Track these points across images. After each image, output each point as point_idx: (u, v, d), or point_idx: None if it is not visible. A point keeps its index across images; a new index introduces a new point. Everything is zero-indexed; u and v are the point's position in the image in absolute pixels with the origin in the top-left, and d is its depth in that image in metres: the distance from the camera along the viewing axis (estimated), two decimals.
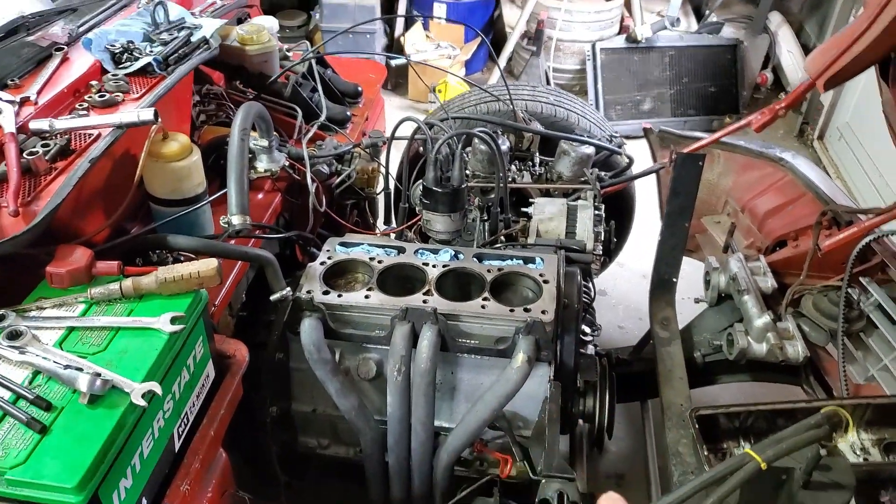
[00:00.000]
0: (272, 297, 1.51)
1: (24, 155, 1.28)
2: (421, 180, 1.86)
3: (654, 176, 2.67)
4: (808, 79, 1.78)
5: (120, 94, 1.52)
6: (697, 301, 2.28)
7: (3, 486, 0.92)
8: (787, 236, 2.26)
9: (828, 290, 1.98)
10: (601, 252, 1.93)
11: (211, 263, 1.20)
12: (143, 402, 1.00)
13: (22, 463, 0.92)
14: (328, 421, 1.78)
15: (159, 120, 1.38)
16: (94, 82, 1.53)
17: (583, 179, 2.24)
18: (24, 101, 1.41)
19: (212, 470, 1.30)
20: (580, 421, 1.77)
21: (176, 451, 1.19)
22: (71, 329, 1.12)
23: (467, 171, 2.21)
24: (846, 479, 1.09)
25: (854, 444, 1.57)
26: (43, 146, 1.32)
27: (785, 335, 1.91)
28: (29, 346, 1.07)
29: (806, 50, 5.13)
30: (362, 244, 1.77)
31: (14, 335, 1.08)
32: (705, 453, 1.47)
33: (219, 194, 1.60)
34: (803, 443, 1.02)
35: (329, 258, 1.71)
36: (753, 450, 0.97)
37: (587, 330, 2.06)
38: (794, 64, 5.13)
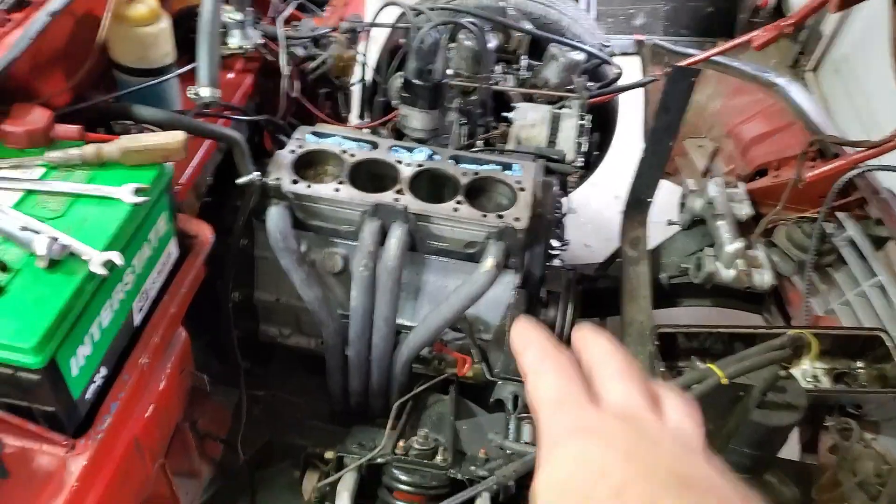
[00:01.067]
0: (239, 181, 1.47)
1: None
2: (400, 72, 1.78)
3: (639, 93, 2.62)
4: None
5: None
6: (670, 223, 2.29)
7: None
8: (769, 165, 2.26)
9: (803, 221, 2.00)
10: (582, 164, 1.90)
11: (178, 136, 1.14)
12: (103, 271, 0.98)
13: None
14: (291, 311, 1.78)
15: None
16: None
17: (569, 87, 2.17)
18: None
19: (171, 347, 1.30)
20: None
21: (136, 325, 1.18)
22: (28, 192, 1.07)
23: (449, 70, 2.12)
24: (798, 401, 1.14)
25: (806, 372, 1.63)
26: None
27: (754, 263, 1.94)
28: None
29: None
30: (335, 135, 1.71)
31: None
32: (661, 369, 1.51)
33: (188, 68, 1.50)
34: (766, 362, 1.05)
35: (300, 147, 1.66)
36: (717, 365, 0.99)
37: (555, 244, 2.06)
38: None
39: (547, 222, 1.70)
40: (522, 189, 1.62)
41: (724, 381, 1.01)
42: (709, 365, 1.04)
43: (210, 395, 1.79)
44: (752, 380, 1.12)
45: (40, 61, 1.22)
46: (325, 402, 1.92)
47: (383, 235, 1.54)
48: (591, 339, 0.52)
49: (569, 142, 1.90)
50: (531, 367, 0.51)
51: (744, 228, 2.10)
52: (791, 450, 1.60)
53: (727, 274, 1.96)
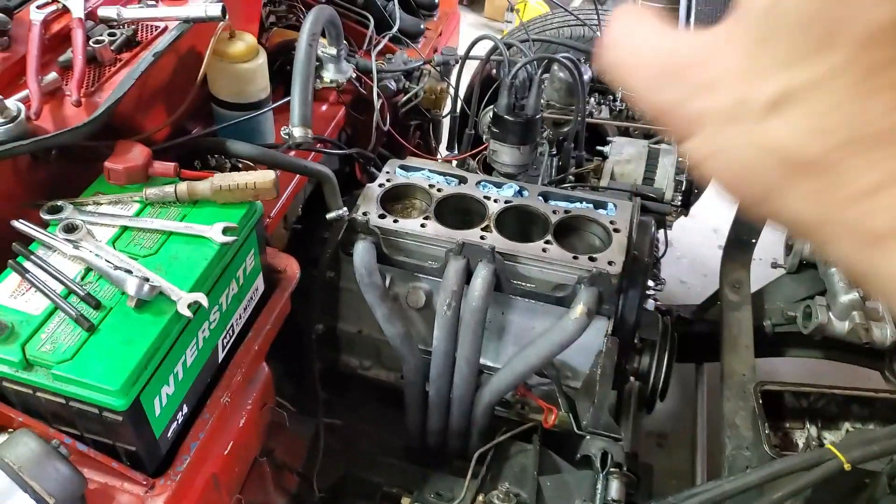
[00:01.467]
0: (328, 216, 1.46)
1: (91, 43, 1.23)
2: (491, 106, 1.74)
3: None
4: None
5: None
6: (775, 266, 2.13)
7: (50, 379, 0.91)
8: None
9: None
10: (680, 203, 1.79)
11: (268, 175, 1.14)
12: (188, 313, 0.97)
13: (69, 359, 0.91)
14: (372, 343, 1.76)
15: (227, 17, 1.30)
16: None
17: None
18: None
19: (253, 383, 1.29)
20: (632, 378, 1.70)
21: (220, 362, 1.18)
22: (124, 228, 1.09)
23: (543, 100, 2.07)
24: None
25: None
26: (109, 35, 1.27)
27: (873, 316, 1.76)
28: (83, 241, 1.05)
29: None
30: (423, 169, 1.69)
31: (70, 228, 1.06)
32: (766, 431, 1.38)
33: (282, 101, 1.52)
34: None
35: (388, 181, 1.65)
36: (837, 447, 0.88)
37: (650, 283, 1.96)
38: None
39: (643, 265, 1.60)
40: (617, 230, 1.53)
41: (847, 466, 0.89)
42: (828, 446, 0.92)
43: (286, 425, 1.79)
44: (880, 461, 0.99)
45: (144, 98, 1.26)
46: (401, 437, 1.88)
47: (468, 274, 1.49)
48: None
49: (667, 179, 1.80)
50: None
51: None
52: None
53: (841, 326, 1.79)
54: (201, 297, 0.99)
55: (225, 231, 1.09)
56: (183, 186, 1.13)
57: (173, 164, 1.16)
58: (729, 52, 0.33)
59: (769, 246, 2.38)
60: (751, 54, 0.32)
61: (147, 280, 0.97)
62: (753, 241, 2.04)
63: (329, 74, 1.67)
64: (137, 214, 1.12)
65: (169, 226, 1.09)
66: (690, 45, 0.35)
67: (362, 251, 1.50)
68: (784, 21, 0.31)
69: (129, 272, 0.98)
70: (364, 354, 1.84)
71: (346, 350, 1.84)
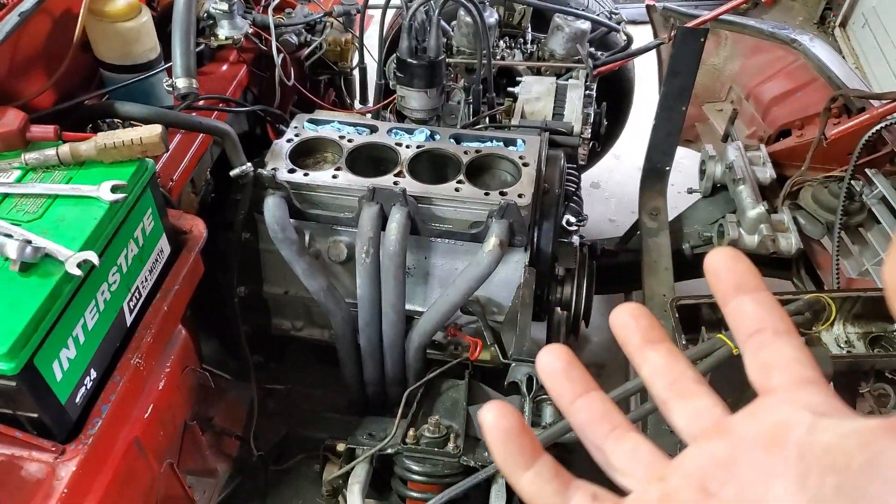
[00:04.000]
0: (232, 173, 1.44)
1: None
2: (395, 53, 1.72)
3: (656, 60, 2.51)
4: None
5: None
6: (691, 191, 2.19)
7: None
8: (792, 125, 2.14)
9: (829, 181, 1.89)
10: (589, 135, 1.82)
11: (155, 129, 1.11)
12: (78, 272, 0.95)
13: None
14: (301, 303, 1.75)
15: None
16: None
17: (576, 58, 2.09)
18: None
19: (170, 346, 1.28)
20: (558, 309, 1.74)
21: (128, 325, 1.16)
22: (5, 196, 1.05)
23: (453, 46, 2.06)
24: (824, 368, 1.05)
25: (839, 337, 1.54)
26: None
27: (779, 227, 1.83)
28: None
29: None
30: (332, 122, 1.67)
31: None
32: (684, 342, 1.44)
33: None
34: None
35: (296, 135, 1.62)
36: (726, 335, 0.92)
37: (572, 220, 1.99)
38: None
39: (555, 197, 1.63)
40: (526, 164, 1.55)
41: (736, 351, 0.94)
42: (719, 335, 0.96)
43: (225, 392, 1.78)
44: None
45: (16, 63, 1.21)
46: (342, 394, 1.89)
47: (384, 221, 1.49)
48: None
49: (575, 113, 1.83)
50: None
51: (767, 192, 2.00)
52: None
53: (751, 240, 1.86)
54: (91, 255, 0.97)
55: (114, 189, 1.06)
56: (65, 148, 1.09)
57: (53, 126, 1.11)
58: None
59: (687, 177, 2.46)
60: None
61: (29, 242, 0.94)
62: (668, 168, 2.09)
63: (224, 31, 1.63)
64: (19, 181, 1.08)
65: (53, 189, 1.06)
66: None
67: (273, 207, 1.48)
68: None
69: (10, 236, 0.95)
70: (294, 315, 1.83)
71: (275, 312, 1.82)
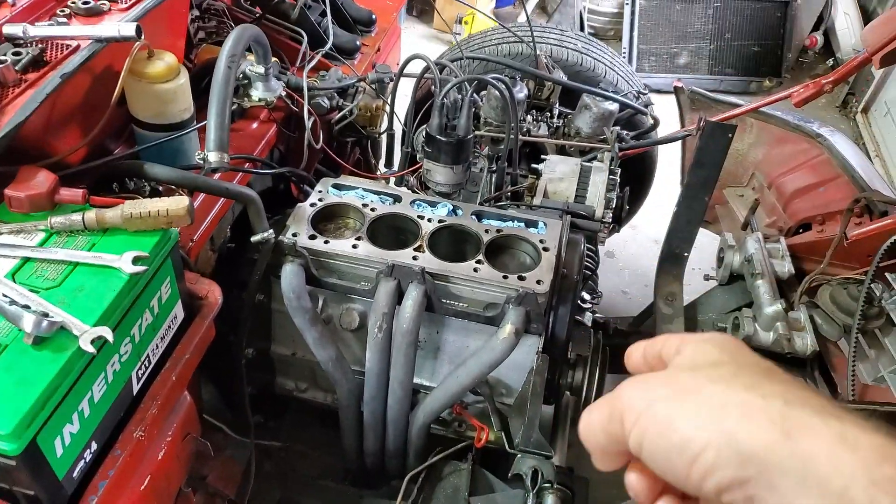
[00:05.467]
0: (253, 239, 1.43)
1: None
2: (424, 126, 1.74)
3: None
4: (863, 51, 1.62)
5: (106, 1, 1.40)
6: (707, 278, 2.18)
7: None
8: (813, 219, 2.13)
9: (848, 282, 1.87)
10: (610, 220, 1.82)
11: (181, 202, 1.11)
12: (91, 349, 0.94)
13: None
14: (307, 366, 1.73)
15: (142, 37, 1.26)
16: None
17: (602, 138, 2.10)
18: (1, 3, 1.30)
19: (174, 414, 1.25)
20: (567, 393, 1.71)
21: (134, 394, 1.14)
22: (26, 259, 1.05)
23: (481, 117, 2.08)
24: None
25: None
26: (14, 54, 1.22)
27: (795, 326, 1.81)
28: None
29: (865, 14, 4.79)
30: (357, 188, 1.68)
31: None
32: None
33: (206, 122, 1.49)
34: None
35: (320, 199, 1.62)
36: None
37: (587, 297, 1.98)
38: (848, 28, 4.81)
39: (573, 283, 1.62)
40: (546, 249, 1.54)
41: None
42: None
43: (221, 449, 1.74)
44: None
45: (53, 121, 1.22)
46: (339, 460, 1.85)
47: (400, 295, 1.48)
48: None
49: (598, 197, 1.82)
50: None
51: (785, 287, 1.98)
52: None
53: (766, 336, 1.83)
54: (106, 332, 0.95)
55: (135, 261, 1.05)
56: (91, 214, 1.09)
57: (81, 190, 1.12)
58: None
59: (704, 255, 2.44)
60: None
61: (46, 315, 0.93)
62: (686, 254, 2.08)
63: (257, 93, 1.64)
64: (42, 244, 1.07)
65: (75, 256, 1.05)
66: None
67: (290, 274, 1.47)
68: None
69: (27, 307, 0.94)
70: (299, 376, 1.81)
71: (281, 372, 1.80)
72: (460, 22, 4.81)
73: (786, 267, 2.01)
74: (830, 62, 5.00)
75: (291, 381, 1.81)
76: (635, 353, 0.58)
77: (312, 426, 1.96)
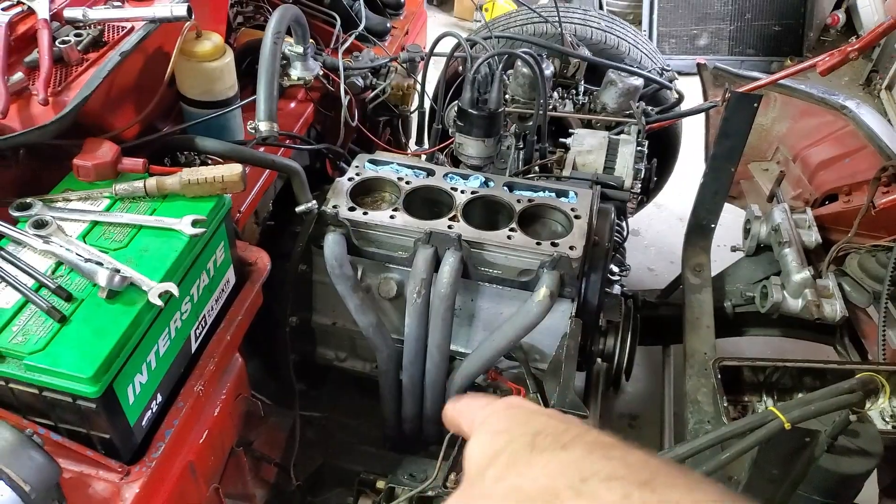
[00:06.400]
0: (297, 209, 1.50)
1: (57, 43, 1.25)
2: (456, 101, 1.79)
3: (702, 115, 2.54)
4: (889, 19, 1.64)
5: None
6: (734, 249, 2.20)
7: (22, 370, 0.94)
8: (839, 190, 2.15)
9: (876, 250, 1.89)
10: (639, 191, 1.86)
11: (235, 169, 1.17)
12: (159, 302, 1.00)
13: (41, 350, 0.94)
14: (347, 335, 1.80)
15: (193, 17, 1.33)
16: None
17: (628, 113, 2.14)
18: None
19: (227, 373, 1.32)
20: (599, 360, 1.75)
21: (192, 352, 1.21)
22: (95, 223, 1.12)
23: (507, 96, 2.12)
24: (873, 447, 1.06)
25: (884, 411, 1.53)
26: (76, 35, 1.29)
27: (823, 293, 1.83)
28: (53, 237, 1.08)
29: None
30: (392, 163, 1.73)
31: (40, 224, 1.09)
32: (724, 404, 1.45)
33: (250, 99, 1.55)
34: (834, 407, 0.98)
35: (357, 174, 1.68)
36: (778, 408, 0.94)
37: (615, 269, 2.02)
38: (871, 4, 4.75)
39: (604, 250, 1.66)
40: (578, 217, 1.59)
41: (788, 425, 0.95)
42: (770, 408, 0.98)
43: (266, 417, 1.82)
44: (821, 422, 1.05)
45: (112, 97, 1.29)
46: (378, 427, 1.92)
47: (437, 263, 1.53)
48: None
49: (626, 168, 1.86)
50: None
51: (812, 256, 2.00)
52: (870, 495, 1.49)
53: (795, 304, 1.86)
54: (172, 287, 1.02)
55: (194, 223, 1.12)
56: (152, 181, 1.15)
57: (142, 160, 1.19)
58: None
59: (730, 231, 2.46)
60: None
61: (118, 271, 1.00)
62: (713, 225, 2.11)
63: (296, 72, 1.71)
64: (108, 209, 1.14)
65: (139, 219, 1.12)
66: None
67: (332, 243, 1.53)
68: None
69: (100, 264, 1.01)
70: (339, 346, 1.87)
71: (321, 342, 1.87)
72: (480, 9, 4.84)
73: (813, 237, 2.03)
74: (853, 40, 4.96)
75: (331, 350, 1.88)
76: (447, 415, 0.61)
77: (351, 395, 2.03)
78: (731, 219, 2.85)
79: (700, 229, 2.09)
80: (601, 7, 5.03)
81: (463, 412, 0.57)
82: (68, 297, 0.99)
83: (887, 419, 1.52)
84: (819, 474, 1.05)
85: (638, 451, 0.44)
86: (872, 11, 4.73)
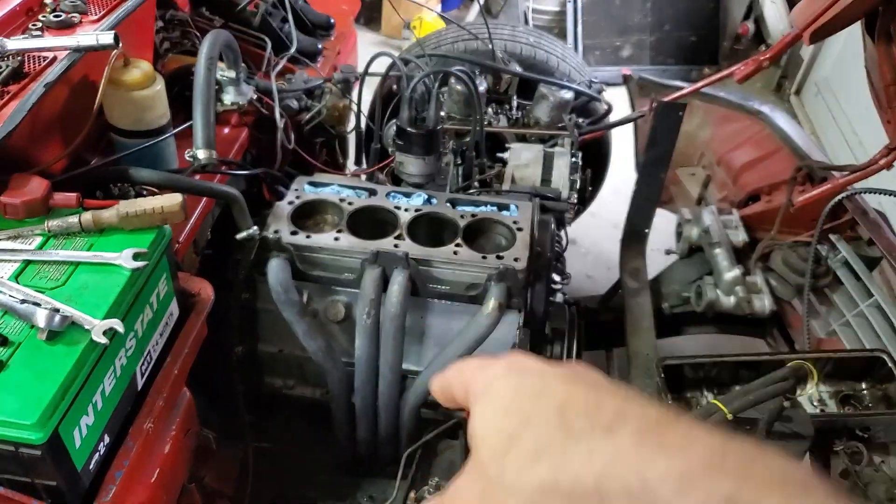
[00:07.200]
0: (238, 236, 1.47)
1: None
2: (394, 120, 1.80)
3: (630, 124, 2.65)
4: (795, 30, 1.75)
5: (77, 14, 1.42)
6: (668, 252, 2.30)
7: None
8: (760, 191, 2.28)
9: (797, 245, 2.01)
10: (576, 201, 1.91)
11: (175, 199, 1.15)
12: (104, 340, 0.97)
13: None
14: (295, 362, 1.77)
15: (120, 44, 1.29)
16: (48, 1, 1.43)
17: (560, 125, 2.20)
18: None
19: (176, 409, 1.28)
20: None
21: (139, 389, 1.17)
22: (28, 262, 1.07)
23: (442, 113, 2.15)
24: (805, 430, 1.12)
25: (812, 396, 1.62)
26: None
27: (753, 289, 1.94)
28: None
29: (790, 1, 5.06)
30: (332, 185, 1.73)
31: None
32: (669, 402, 1.50)
33: (183, 126, 1.53)
34: (770, 395, 1.04)
35: (297, 198, 1.67)
36: (720, 400, 0.99)
37: (557, 278, 2.06)
38: (777, 15, 5.07)
39: (547, 260, 1.70)
40: (520, 229, 1.62)
41: (730, 416, 1.00)
42: (713, 401, 1.03)
43: (214, 451, 1.77)
44: (758, 411, 1.11)
45: (37, 130, 1.24)
46: (330, 453, 1.89)
47: (385, 282, 1.54)
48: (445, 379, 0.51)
49: (562, 179, 1.92)
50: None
51: (740, 255, 2.11)
52: None
53: (728, 301, 1.96)
54: (116, 324, 0.99)
55: (135, 257, 1.09)
56: (88, 216, 1.12)
57: (75, 194, 1.14)
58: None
59: (662, 236, 2.57)
60: None
61: (57, 310, 0.96)
62: (647, 230, 2.19)
63: (229, 97, 1.68)
64: (40, 247, 1.10)
65: (76, 256, 1.08)
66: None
67: (276, 269, 1.51)
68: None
69: (38, 304, 0.97)
70: (287, 374, 1.84)
71: (268, 371, 1.83)
72: (408, 27, 4.89)
73: (740, 236, 2.14)
74: (763, 48, 5.26)
75: (279, 378, 1.84)
76: (436, 387, 0.52)
77: (301, 423, 1.99)
78: (661, 223, 2.97)
79: (635, 235, 2.17)
80: (526, 22, 5.16)
81: (454, 380, 0.48)
82: (3, 342, 0.94)
83: (815, 403, 1.61)
84: None
85: (699, 429, 0.36)
86: (778, 21, 5.04)
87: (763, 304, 1.92)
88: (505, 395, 0.42)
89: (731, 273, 1.93)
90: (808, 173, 2.13)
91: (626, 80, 2.56)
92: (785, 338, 2.04)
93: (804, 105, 4.69)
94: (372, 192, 1.72)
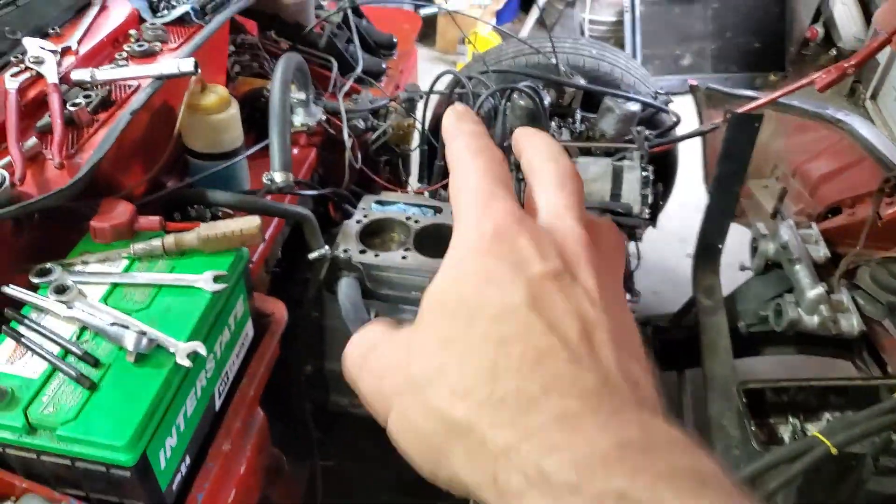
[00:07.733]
0: (311, 256, 1.48)
1: (67, 106, 1.25)
2: None
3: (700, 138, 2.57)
4: (882, 34, 1.66)
5: (158, 43, 1.47)
6: (743, 269, 2.21)
7: (55, 441, 0.91)
8: (842, 203, 2.17)
9: (887, 261, 1.89)
10: (648, 216, 1.86)
11: (254, 221, 1.16)
12: (188, 363, 0.98)
13: (73, 419, 0.91)
14: None
15: (199, 71, 1.33)
16: (132, 31, 1.49)
17: (628, 138, 2.15)
18: (65, 51, 1.37)
19: (251, 429, 1.29)
20: None
21: (217, 410, 1.18)
22: (115, 285, 1.10)
23: (507, 128, 2.13)
24: None
25: None
26: (85, 97, 1.29)
27: (839, 308, 1.83)
28: (75, 301, 1.06)
29: (862, 2, 4.84)
30: (398, 203, 1.73)
31: (61, 289, 1.07)
32: (752, 428, 1.43)
33: (256, 148, 1.56)
34: (878, 428, 0.97)
35: (365, 216, 1.68)
36: (822, 433, 0.93)
37: (628, 296, 2.01)
38: (848, 16, 4.85)
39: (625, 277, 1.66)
40: None
41: (834, 451, 0.94)
42: (814, 434, 0.97)
43: (282, 469, 1.78)
44: (863, 445, 1.04)
45: (123, 156, 1.28)
46: (395, 473, 1.88)
47: None
48: (534, 138, 0.45)
49: (633, 194, 1.87)
50: (459, 155, 0.43)
51: (821, 271, 2.00)
52: None
53: (811, 321, 1.86)
54: (199, 346, 1.00)
55: (216, 279, 1.10)
56: (170, 239, 1.14)
57: (158, 217, 1.17)
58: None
59: (732, 250, 2.47)
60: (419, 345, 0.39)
61: (144, 333, 0.98)
62: (721, 246, 2.11)
63: (299, 118, 1.71)
64: (126, 270, 1.13)
65: (159, 278, 1.11)
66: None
67: (347, 288, 1.52)
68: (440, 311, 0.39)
69: (126, 327, 0.99)
70: (352, 392, 1.84)
71: (334, 389, 1.84)
72: (464, 42, 4.90)
73: (821, 251, 2.03)
74: (833, 52, 5.05)
75: (345, 396, 1.85)
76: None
77: (365, 441, 1.99)
78: (732, 236, 2.87)
79: (708, 251, 2.10)
80: (583, 33, 5.11)
81: (460, 150, 0.43)
82: (96, 363, 0.96)
83: None
84: (866, 498, 1.04)
85: (618, 418, 0.31)
86: (850, 23, 4.83)
87: (851, 323, 1.81)
88: (466, 285, 0.38)
89: (815, 291, 1.83)
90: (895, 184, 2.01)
91: (693, 90, 2.49)
92: (876, 361, 1.93)
93: (882, 110, 4.47)
94: (437, 210, 1.71)
